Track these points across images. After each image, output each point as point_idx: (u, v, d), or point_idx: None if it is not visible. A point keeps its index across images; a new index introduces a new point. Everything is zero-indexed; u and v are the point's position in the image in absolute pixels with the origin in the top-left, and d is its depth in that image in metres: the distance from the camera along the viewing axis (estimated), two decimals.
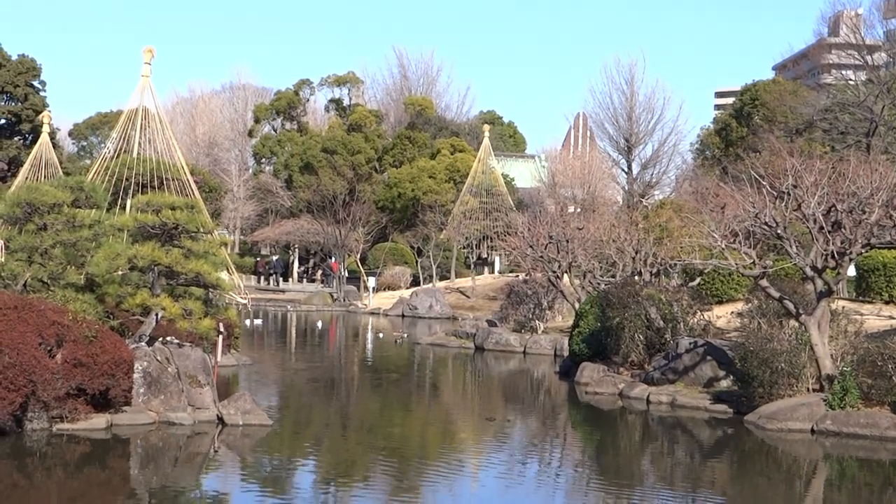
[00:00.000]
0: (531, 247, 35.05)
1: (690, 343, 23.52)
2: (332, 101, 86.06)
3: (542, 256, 34.45)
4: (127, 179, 35.19)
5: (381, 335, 42.22)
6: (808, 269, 20.78)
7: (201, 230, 20.84)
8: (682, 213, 35.65)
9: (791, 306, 20.72)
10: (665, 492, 15.45)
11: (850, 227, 20.55)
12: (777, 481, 16.70)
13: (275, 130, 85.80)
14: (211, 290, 21.12)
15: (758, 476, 16.92)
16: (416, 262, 63.40)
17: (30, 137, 61.68)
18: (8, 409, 15.29)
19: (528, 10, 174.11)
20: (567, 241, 34.31)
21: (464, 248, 64.45)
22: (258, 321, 43.31)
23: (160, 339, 18.77)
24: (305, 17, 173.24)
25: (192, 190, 37.21)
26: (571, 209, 59.42)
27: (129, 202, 30.53)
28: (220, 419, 17.87)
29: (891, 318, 27.33)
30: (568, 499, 15.09)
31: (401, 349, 36.45)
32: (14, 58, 64.64)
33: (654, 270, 31.41)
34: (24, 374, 15.41)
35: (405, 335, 40.65)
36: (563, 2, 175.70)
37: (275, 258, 75.97)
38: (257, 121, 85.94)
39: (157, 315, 18.83)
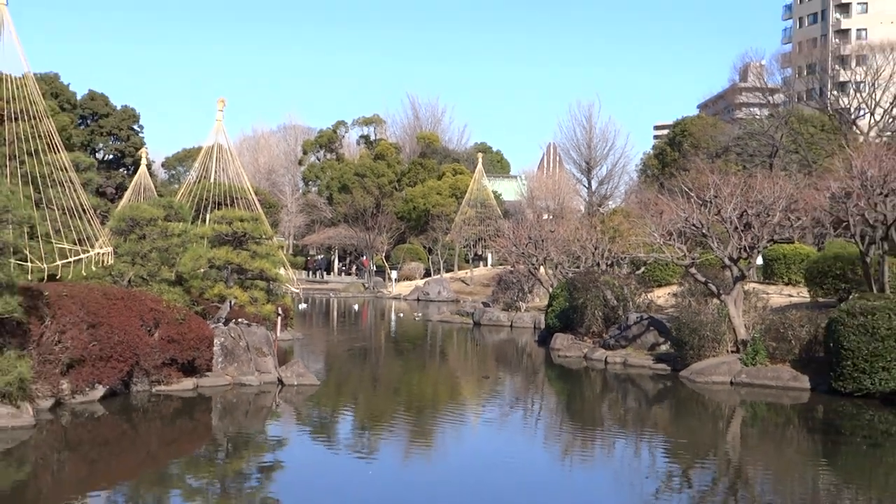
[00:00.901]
0: (515, 245, 35.04)
1: (637, 317, 23.49)
2: (361, 136, 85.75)
3: (523, 253, 34.43)
4: (206, 199, 35.13)
5: (401, 314, 42.18)
6: (726, 260, 20.77)
7: (263, 237, 20.88)
8: (630, 218, 35.51)
9: (714, 288, 20.70)
10: (619, 431, 15.46)
11: (757, 227, 20.53)
12: (705, 421, 16.69)
13: (318, 160, 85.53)
14: (271, 282, 21.14)
15: (690, 417, 16.94)
16: (428, 258, 63.36)
17: (131, 168, 61.47)
18: (118, 376, 15.35)
19: (509, 67, 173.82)
20: (542, 241, 34.31)
21: (464, 247, 64.27)
22: (305, 305, 43.22)
23: (233, 320, 18.80)
24: (341, 72, 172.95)
25: (255, 206, 37.12)
26: (545, 217, 59.24)
27: (207, 216, 30.50)
28: (280, 381, 17.89)
29: (790, 296, 27.26)
30: (547, 436, 15.09)
31: (417, 325, 36.44)
32: (119, 108, 64.63)
33: (609, 262, 31.36)
34: (130, 348, 15.48)
35: (420, 314, 40.62)
36: (534, 57, 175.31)
37: (320, 257, 75.98)
38: (305, 153, 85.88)
39: (230, 302, 18.86)
